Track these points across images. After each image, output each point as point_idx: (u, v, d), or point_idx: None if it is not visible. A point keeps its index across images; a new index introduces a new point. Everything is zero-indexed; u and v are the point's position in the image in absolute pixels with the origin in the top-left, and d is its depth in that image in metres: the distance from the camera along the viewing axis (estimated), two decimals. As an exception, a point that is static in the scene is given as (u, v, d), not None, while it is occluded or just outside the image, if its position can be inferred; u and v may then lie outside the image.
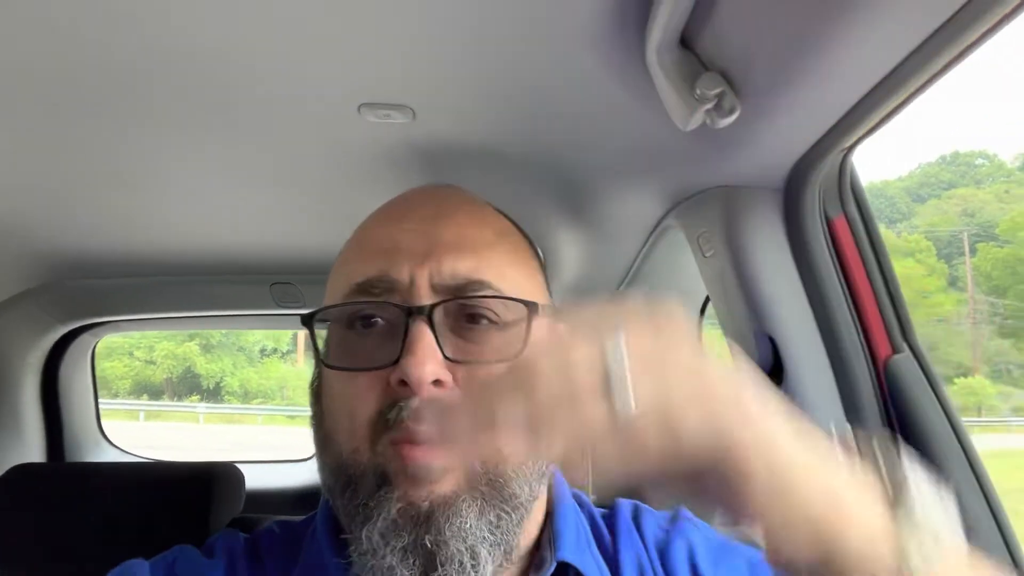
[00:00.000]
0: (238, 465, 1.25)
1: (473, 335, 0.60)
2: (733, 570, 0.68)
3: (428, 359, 0.56)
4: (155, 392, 23.74)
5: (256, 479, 1.51)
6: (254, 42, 0.75)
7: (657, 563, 0.69)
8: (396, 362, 0.57)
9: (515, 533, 0.59)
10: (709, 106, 0.70)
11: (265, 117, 0.93)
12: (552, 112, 0.91)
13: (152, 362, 23.55)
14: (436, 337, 0.57)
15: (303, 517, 0.72)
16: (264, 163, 1.09)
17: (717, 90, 0.69)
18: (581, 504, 0.74)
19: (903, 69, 0.62)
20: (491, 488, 0.58)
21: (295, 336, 17.22)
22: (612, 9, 0.69)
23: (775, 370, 0.91)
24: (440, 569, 0.55)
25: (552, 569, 0.63)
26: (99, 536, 1.10)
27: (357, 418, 0.59)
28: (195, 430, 16.87)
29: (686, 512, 0.75)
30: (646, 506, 0.75)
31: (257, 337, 24.23)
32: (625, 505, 0.75)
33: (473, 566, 0.56)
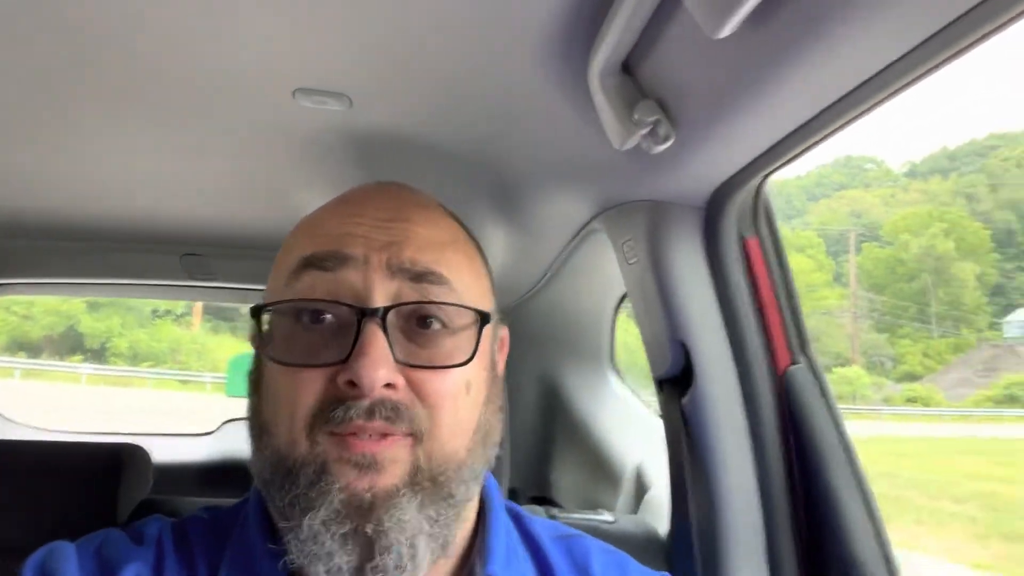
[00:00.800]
0: (140, 438, 1.21)
1: (423, 339, 0.60)
2: None
3: (381, 363, 0.56)
4: (33, 350, 22.26)
5: (159, 453, 1.47)
6: (187, 15, 0.73)
7: None
8: (345, 361, 0.57)
9: (452, 528, 0.61)
10: (645, 131, 0.74)
11: (193, 91, 0.91)
12: (491, 113, 0.92)
13: (30, 317, 22.06)
14: (388, 339, 0.57)
15: (232, 503, 0.71)
16: (189, 136, 1.06)
17: (653, 118, 0.72)
18: (518, 517, 0.74)
19: (830, 111, 0.67)
20: (433, 485, 0.59)
21: (192, 298, 16.50)
22: (561, 25, 0.71)
23: (685, 374, 0.97)
24: (378, 558, 0.56)
25: None
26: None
27: (298, 411, 0.58)
28: (77, 391, 15.98)
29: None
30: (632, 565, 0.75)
31: (150, 297, 23.05)
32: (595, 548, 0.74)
33: (411, 556, 0.57)
